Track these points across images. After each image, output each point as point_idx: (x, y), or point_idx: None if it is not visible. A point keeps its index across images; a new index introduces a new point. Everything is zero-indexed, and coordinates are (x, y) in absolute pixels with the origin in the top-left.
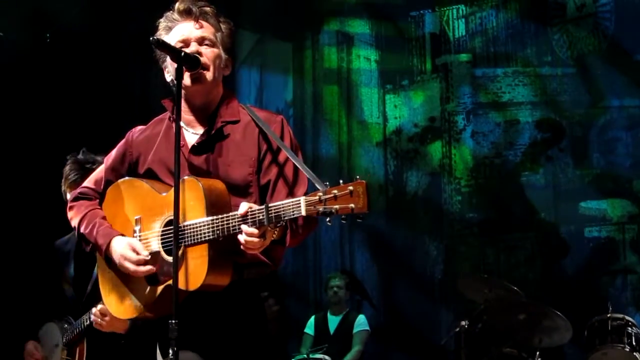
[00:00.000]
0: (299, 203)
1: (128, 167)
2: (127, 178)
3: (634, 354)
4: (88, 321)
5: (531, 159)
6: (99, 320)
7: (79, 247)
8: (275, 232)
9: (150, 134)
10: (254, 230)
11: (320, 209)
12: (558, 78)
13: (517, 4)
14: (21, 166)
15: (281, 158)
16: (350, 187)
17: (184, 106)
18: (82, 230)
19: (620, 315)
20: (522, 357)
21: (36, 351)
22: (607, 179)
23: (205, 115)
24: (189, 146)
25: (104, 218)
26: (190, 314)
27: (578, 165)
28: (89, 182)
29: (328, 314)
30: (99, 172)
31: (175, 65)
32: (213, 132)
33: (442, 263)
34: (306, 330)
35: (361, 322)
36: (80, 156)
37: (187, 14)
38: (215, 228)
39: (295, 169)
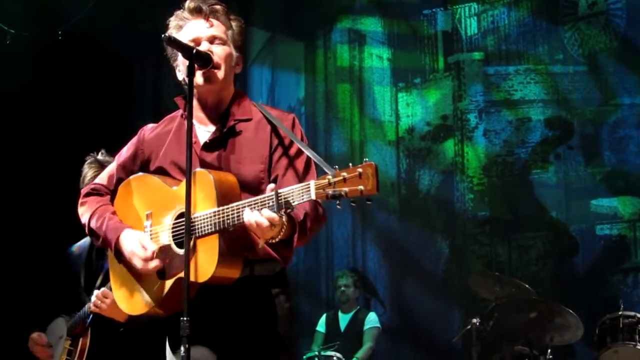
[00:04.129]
0: (309, 187)
1: (140, 165)
2: (139, 174)
3: None
4: (91, 308)
5: (542, 157)
6: (99, 302)
7: (90, 252)
8: (282, 231)
9: (162, 131)
10: (273, 215)
11: (330, 192)
12: (570, 76)
13: (529, 2)
14: (36, 166)
15: (292, 152)
16: (360, 169)
17: (195, 104)
18: (92, 225)
19: (632, 313)
20: (534, 354)
21: (40, 339)
22: (618, 176)
23: (217, 113)
24: (201, 143)
25: (114, 213)
26: (200, 309)
27: (589, 163)
28: (100, 179)
29: (339, 312)
30: (110, 169)
31: (187, 63)
32: (225, 129)
33: (454, 261)
34: (318, 328)
35: (371, 320)
36: (99, 157)
37: (197, 12)
38: (225, 217)
39: (307, 162)
